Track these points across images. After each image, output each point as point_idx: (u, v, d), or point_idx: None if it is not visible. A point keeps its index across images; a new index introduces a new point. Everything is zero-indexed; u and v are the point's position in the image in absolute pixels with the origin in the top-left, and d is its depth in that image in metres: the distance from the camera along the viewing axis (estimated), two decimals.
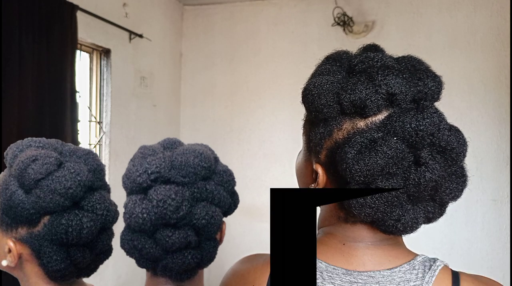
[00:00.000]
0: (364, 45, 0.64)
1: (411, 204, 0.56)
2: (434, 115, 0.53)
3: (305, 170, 0.65)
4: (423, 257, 0.60)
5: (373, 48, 0.62)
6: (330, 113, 0.57)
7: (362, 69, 0.57)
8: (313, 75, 0.61)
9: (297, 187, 0.70)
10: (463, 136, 0.56)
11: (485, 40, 2.59)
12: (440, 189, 0.56)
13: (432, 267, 0.58)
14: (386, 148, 0.52)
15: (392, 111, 0.55)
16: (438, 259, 0.60)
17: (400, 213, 0.55)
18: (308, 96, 0.59)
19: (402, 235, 0.60)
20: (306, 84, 0.60)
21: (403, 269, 0.57)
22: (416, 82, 0.55)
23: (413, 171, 0.54)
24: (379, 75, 0.54)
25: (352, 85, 0.55)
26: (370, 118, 0.55)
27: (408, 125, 0.52)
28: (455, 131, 0.56)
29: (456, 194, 0.57)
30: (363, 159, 0.52)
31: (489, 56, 2.58)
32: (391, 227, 0.56)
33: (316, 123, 0.60)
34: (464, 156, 0.56)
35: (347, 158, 0.53)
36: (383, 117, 0.55)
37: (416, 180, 0.53)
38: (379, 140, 0.53)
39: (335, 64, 0.61)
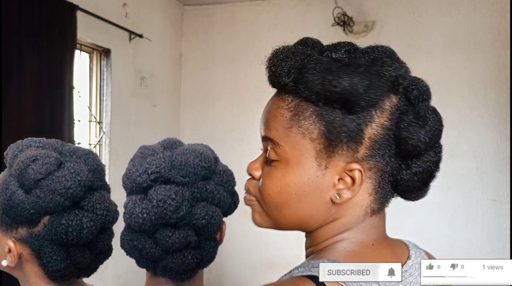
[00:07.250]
0: (301, 40, 0.66)
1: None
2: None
3: (318, 184, 0.55)
4: (410, 245, 0.62)
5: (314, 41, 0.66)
6: (381, 95, 0.53)
7: (373, 54, 0.57)
8: (331, 76, 0.53)
9: None
10: None
11: (485, 40, 2.59)
12: None
13: (420, 253, 0.61)
14: (430, 111, 0.55)
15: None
16: (415, 244, 0.63)
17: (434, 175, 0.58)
18: (358, 91, 0.52)
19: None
20: (341, 86, 0.52)
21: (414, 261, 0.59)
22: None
23: None
24: (390, 57, 0.56)
25: (394, 63, 0.54)
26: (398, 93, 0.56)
27: (422, 89, 0.56)
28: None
29: None
30: (427, 124, 0.54)
31: (489, 56, 2.58)
32: (424, 193, 0.59)
33: (346, 118, 0.53)
34: None
35: (416, 131, 0.53)
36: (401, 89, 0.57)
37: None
38: (418, 108, 0.55)
39: (333, 57, 0.62)
